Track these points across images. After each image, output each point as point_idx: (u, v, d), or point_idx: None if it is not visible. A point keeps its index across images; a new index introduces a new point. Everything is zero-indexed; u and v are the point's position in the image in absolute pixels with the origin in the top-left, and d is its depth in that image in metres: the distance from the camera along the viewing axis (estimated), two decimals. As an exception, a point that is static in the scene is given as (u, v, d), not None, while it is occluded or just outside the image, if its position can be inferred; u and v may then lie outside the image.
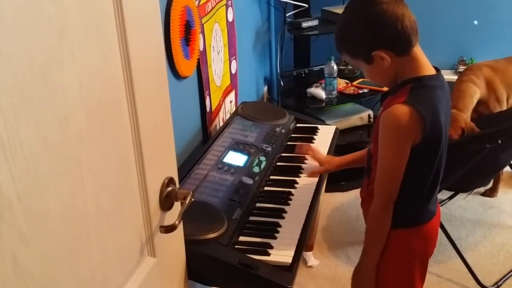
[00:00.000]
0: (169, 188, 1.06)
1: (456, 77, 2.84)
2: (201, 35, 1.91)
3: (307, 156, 1.87)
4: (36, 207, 0.67)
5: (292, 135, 2.06)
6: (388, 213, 1.40)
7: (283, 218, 1.52)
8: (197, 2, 1.86)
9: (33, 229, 0.66)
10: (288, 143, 1.99)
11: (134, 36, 0.88)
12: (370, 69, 1.40)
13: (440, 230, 2.19)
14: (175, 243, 1.17)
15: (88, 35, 0.78)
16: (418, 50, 1.36)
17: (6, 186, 0.61)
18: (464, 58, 3.51)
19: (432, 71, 1.38)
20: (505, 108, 2.70)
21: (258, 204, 1.59)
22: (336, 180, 2.97)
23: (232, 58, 2.40)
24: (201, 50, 1.93)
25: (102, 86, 0.82)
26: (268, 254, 1.35)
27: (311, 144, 1.94)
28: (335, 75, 3.04)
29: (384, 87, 3.02)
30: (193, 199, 1.06)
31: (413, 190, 1.41)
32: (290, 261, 1.33)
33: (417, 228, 1.48)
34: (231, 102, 2.43)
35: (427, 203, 1.47)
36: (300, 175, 1.77)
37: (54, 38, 0.69)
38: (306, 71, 3.39)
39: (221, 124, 2.19)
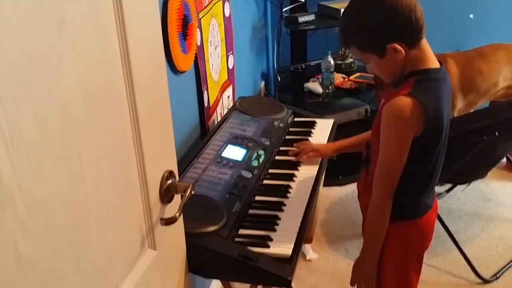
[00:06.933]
0: (169, 181, 1.06)
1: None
2: (198, 29, 1.91)
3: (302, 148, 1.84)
4: (37, 198, 0.67)
5: (291, 129, 2.06)
6: (388, 206, 1.40)
7: (282, 211, 1.52)
8: (194, -4, 1.86)
9: (34, 220, 0.67)
10: (287, 137, 1.99)
11: (133, 28, 0.88)
12: (380, 63, 1.36)
13: (438, 223, 2.21)
14: (176, 235, 1.17)
15: (87, 27, 0.78)
16: (425, 42, 1.34)
17: (7, 176, 0.61)
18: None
19: (436, 64, 1.37)
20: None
21: (257, 198, 1.59)
22: (334, 174, 2.98)
23: (229, 53, 2.40)
24: (198, 45, 1.93)
25: (101, 78, 0.82)
26: (268, 247, 1.35)
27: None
28: (332, 70, 3.04)
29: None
30: (193, 192, 1.06)
31: (409, 182, 1.40)
32: (290, 253, 1.33)
33: (413, 221, 1.48)
34: (228, 97, 2.43)
35: (423, 196, 1.46)
36: (299, 168, 1.77)
37: (54, 29, 0.69)
38: (303, 66, 3.39)
39: (219, 119, 2.19)
